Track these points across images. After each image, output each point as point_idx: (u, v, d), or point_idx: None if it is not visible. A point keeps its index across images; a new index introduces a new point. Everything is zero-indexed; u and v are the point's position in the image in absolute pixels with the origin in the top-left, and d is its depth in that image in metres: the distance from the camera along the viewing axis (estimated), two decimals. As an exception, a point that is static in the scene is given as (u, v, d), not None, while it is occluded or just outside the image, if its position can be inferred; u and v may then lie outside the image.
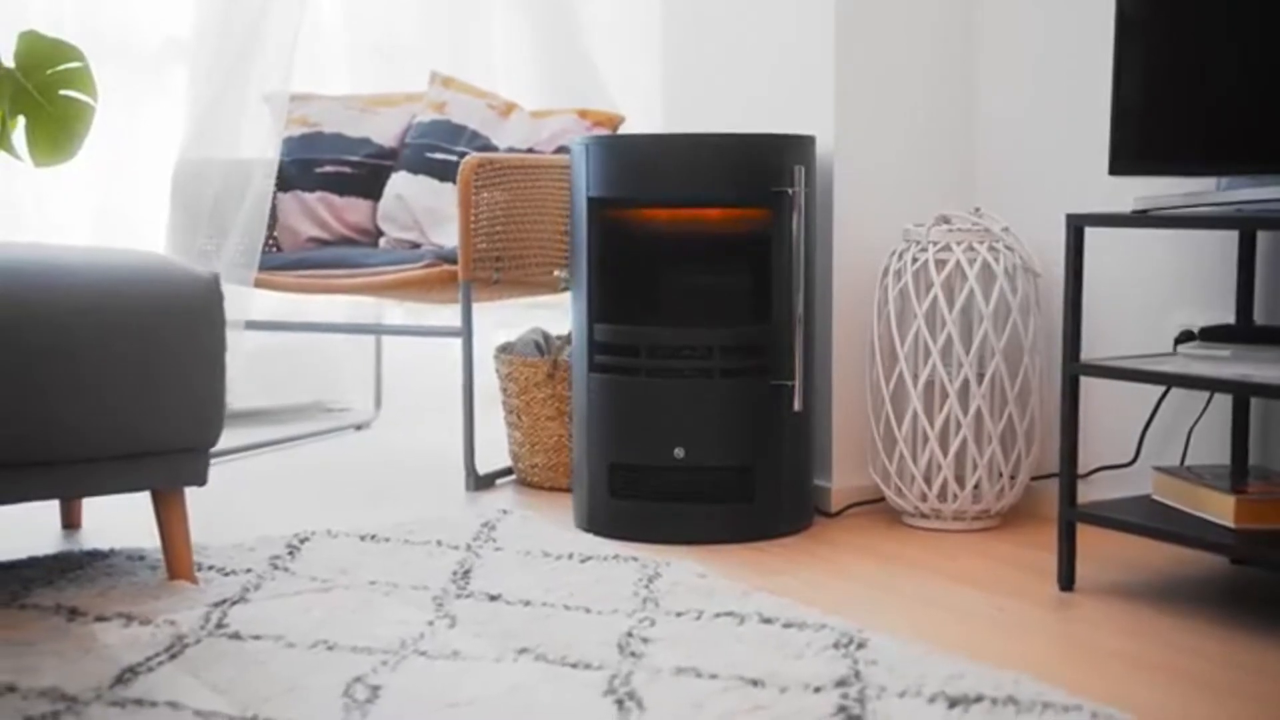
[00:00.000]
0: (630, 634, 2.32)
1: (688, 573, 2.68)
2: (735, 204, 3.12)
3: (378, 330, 4.34)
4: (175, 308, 2.53)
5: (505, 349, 3.70)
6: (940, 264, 3.10)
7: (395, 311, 4.56)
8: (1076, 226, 2.62)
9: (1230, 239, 2.86)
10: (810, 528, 3.17)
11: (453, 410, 4.48)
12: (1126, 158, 2.68)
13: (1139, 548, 2.96)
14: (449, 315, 4.23)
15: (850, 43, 3.25)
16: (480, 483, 3.59)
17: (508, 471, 3.70)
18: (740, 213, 3.14)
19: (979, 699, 2.01)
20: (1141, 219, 2.55)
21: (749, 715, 1.97)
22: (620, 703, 2.02)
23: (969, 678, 2.09)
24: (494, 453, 3.75)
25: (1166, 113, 2.62)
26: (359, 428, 4.47)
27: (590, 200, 3.10)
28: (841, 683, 2.09)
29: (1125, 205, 3.01)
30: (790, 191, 3.03)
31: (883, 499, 3.30)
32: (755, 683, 2.09)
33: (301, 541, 2.92)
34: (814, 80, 3.28)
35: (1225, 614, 2.51)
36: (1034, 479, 3.24)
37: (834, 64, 3.23)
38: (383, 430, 4.45)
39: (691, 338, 3.05)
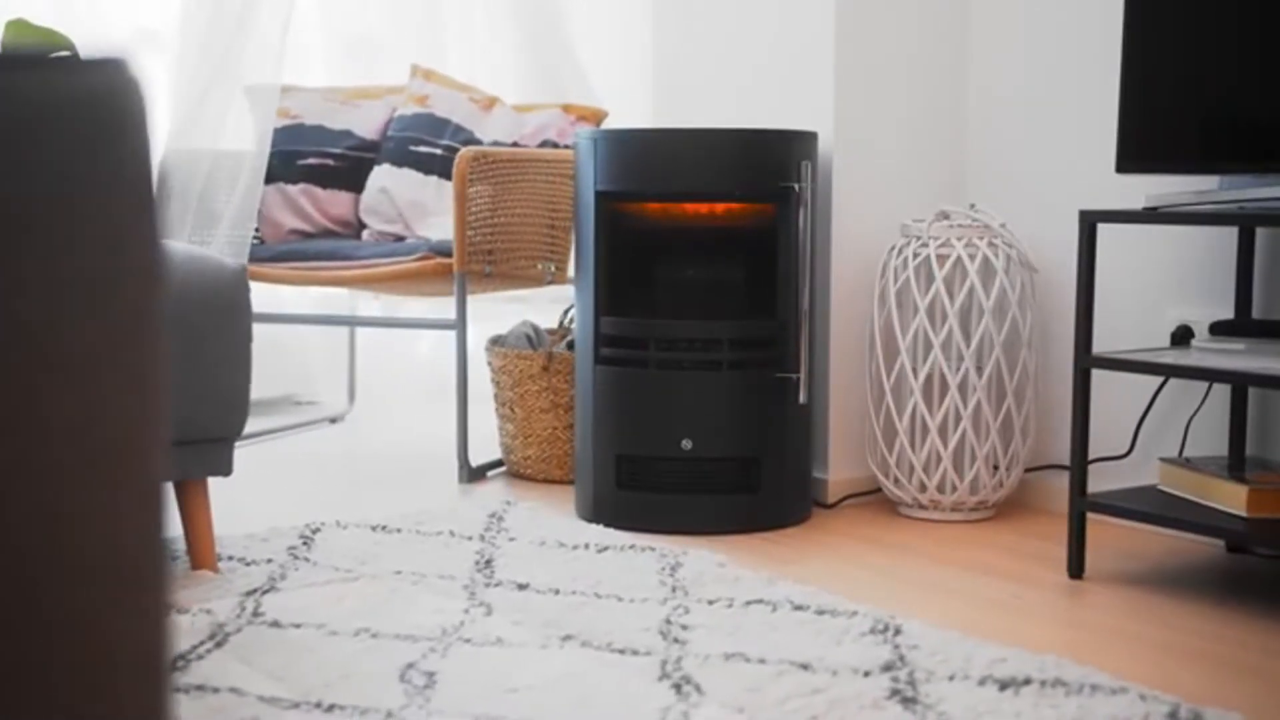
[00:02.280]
0: (669, 621, 2.35)
1: (708, 562, 2.72)
2: (741, 199, 3.16)
3: (368, 323, 4.30)
4: (205, 297, 2.52)
5: (497, 342, 3.71)
6: (941, 259, 3.16)
7: (371, 305, 4.54)
8: (1090, 223, 2.68)
9: (1223, 236, 2.94)
10: (810, 519, 3.21)
11: (427, 403, 4.49)
12: (1132, 157, 2.75)
13: (1135, 537, 3.03)
14: (423, 308, 4.23)
15: (849, 40, 3.30)
16: (473, 474, 3.60)
17: (498, 463, 3.72)
18: (746, 207, 3.18)
19: (1027, 681, 2.06)
20: (1154, 215, 2.62)
21: (809, 698, 2.00)
22: (678, 687, 2.05)
23: (1012, 661, 2.14)
24: (480, 445, 3.76)
25: (1171, 113, 2.69)
26: (334, 421, 4.46)
27: (598, 194, 3.13)
28: (889, 666, 2.13)
29: (1118, 202, 3.09)
30: (797, 187, 3.07)
31: (877, 490, 3.35)
32: (805, 667, 2.13)
33: (314, 532, 2.92)
34: (812, 76, 3.32)
35: (1233, 599, 2.59)
36: (1028, 470, 3.31)
37: (833, 60, 3.28)
38: (359, 423, 4.44)
39: (698, 331, 3.08)
